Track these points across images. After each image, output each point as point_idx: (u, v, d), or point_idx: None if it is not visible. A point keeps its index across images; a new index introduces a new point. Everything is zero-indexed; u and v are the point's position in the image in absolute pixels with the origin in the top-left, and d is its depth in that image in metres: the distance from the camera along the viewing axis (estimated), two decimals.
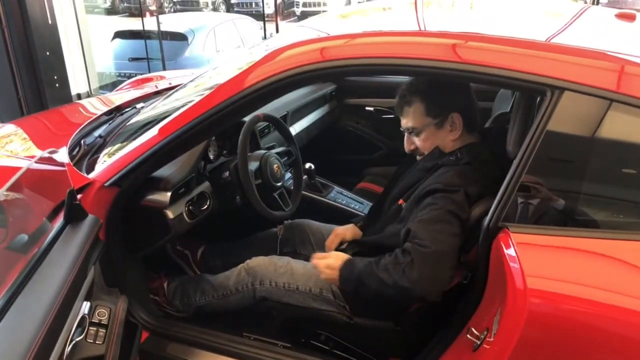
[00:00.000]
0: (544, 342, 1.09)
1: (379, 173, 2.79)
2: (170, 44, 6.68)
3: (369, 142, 3.14)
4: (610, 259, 1.14)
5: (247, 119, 1.85)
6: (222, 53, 6.90)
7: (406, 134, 1.64)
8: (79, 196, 1.40)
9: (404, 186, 1.64)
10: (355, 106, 3.14)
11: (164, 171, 1.64)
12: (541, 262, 1.12)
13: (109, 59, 6.98)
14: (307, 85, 2.75)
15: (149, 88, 2.72)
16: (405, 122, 1.60)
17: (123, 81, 3.79)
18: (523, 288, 1.07)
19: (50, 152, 1.77)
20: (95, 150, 1.82)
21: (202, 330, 1.68)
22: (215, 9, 14.44)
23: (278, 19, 9.38)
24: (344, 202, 2.36)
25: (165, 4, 13.36)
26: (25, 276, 1.10)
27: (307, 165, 2.31)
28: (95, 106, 2.48)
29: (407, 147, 1.65)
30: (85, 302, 1.24)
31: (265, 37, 7.86)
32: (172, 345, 1.66)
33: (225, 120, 1.48)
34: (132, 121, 1.98)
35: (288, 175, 2.20)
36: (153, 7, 10.46)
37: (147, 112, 1.99)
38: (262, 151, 1.98)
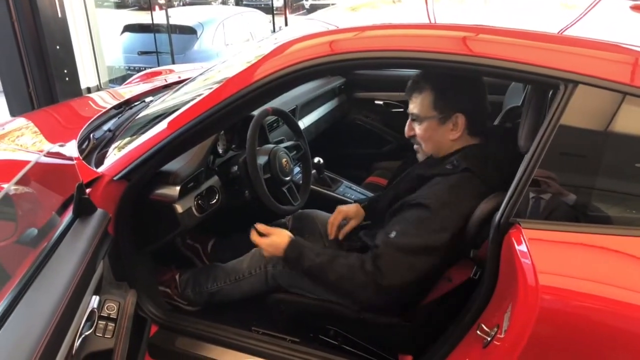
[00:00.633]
0: (556, 340, 1.08)
1: (388, 167, 2.78)
2: (179, 37, 6.68)
3: (378, 136, 3.12)
4: (623, 256, 1.12)
5: (255, 112, 1.85)
6: (231, 46, 6.89)
7: (409, 119, 1.63)
8: (88, 190, 1.40)
9: (396, 195, 1.62)
10: (365, 100, 3.12)
11: (173, 165, 1.64)
12: (553, 259, 1.11)
13: (119, 52, 6.99)
14: (316, 79, 2.74)
15: (158, 82, 2.72)
16: (412, 108, 1.59)
17: (132, 75, 3.79)
18: (535, 285, 1.05)
19: (60, 146, 1.77)
20: (104, 144, 1.83)
21: (210, 324, 1.69)
22: (224, 3, 14.45)
23: (287, 12, 9.36)
24: (353, 196, 2.35)
25: None
26: (34, 270, 1.10)
27: (316, 159, 2.30)
28: (105, 100, 2.49)
29: (407, 132, 1.63)
30: (94, 296, 1.24)
31: (274, 31, 7.84)
32: (180, 339, 1.67)
33: (234, 114, 1.48)
34: (141, 115, 1.98)
35: (297, 169, 2.19)
36: (162, 1, 10.45)
37: (156, 105, 1.99)
38: (271, 145, 1.97)
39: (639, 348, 1.05)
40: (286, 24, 7.98)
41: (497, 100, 2.35)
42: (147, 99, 2.26)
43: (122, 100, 2.33)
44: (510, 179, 1.19)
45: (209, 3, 13.97)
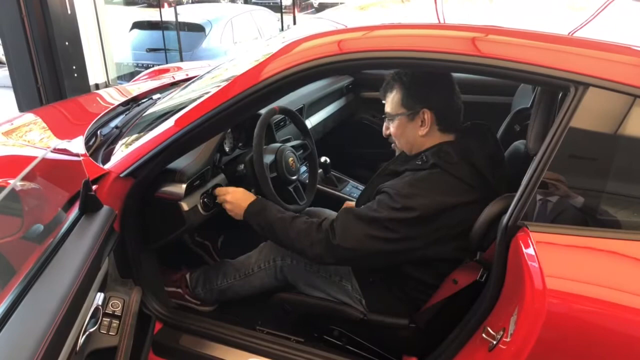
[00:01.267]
0: (563, 344, 1.07)
1: None
2: (187, 35, 6.70)
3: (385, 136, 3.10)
4: (632, 260, 1.10)
5: (263, 111, 1.84)
6: (239, 45, 6.90)
7: (386, 119, 1.65)
8: (94, 187, 1.40)
9: (373, 190, 1.63)
10: (372, 99, 3.10)
11: (180, 163, 1.64)
12: (561, 262, 1.10)
13: (127, 49, 7.02)
14: (324, 78, 2.73)
15: (166, 79, 2.72)
16: (385, 107, 1.63)
17: (140, 72, 3.80)
18: (542, 288, 1.04)
19: (67, 142, 1.78)
20: (111, 141, 1.83)
21: (215, 322, 1.69)
22: (232, 1, 14.44)
23: (296, 10, 9.36)
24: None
25: None
26: (40, 266, 1.10)
27: (323, 158, 2.29)
28: (113, 96, 2.49)
29: (384, 131, 1.68)
30: (99, 293, 1.24)
31: (282, 29, 7.85)
32: (185, 337, 1.67)
33: (241, 112, 1.47)
34: (148, 112, 1.98)
35: (303, 168, 2.19)
36: None
37: (164, 103, 1.99)
38: (278, 144, 1.97)
39: None
40: (295, 23, 7.97)
41: (506, 102, 2.33)
42: (155, 96, 2.26)
43: (129, 97, 2.33)
44: (489, 176, 1.17)
45: (218, 1, 13.96)
